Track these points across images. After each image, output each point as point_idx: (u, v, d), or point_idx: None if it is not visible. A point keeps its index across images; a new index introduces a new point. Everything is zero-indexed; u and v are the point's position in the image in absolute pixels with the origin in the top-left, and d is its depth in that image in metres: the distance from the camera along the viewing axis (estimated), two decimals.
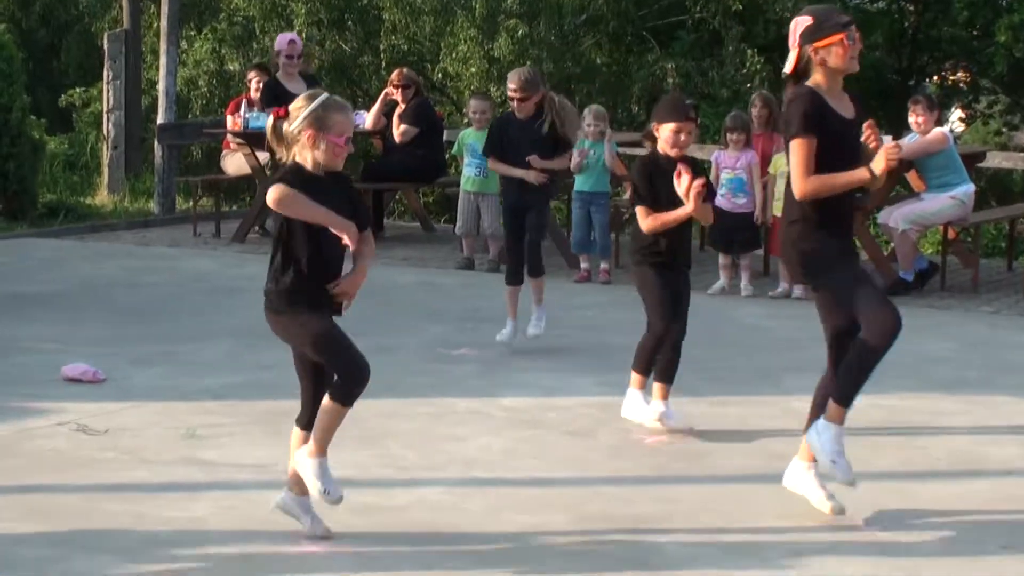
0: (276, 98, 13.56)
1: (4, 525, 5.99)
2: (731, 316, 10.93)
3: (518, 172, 9.61)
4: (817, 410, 6.21)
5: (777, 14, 20.56)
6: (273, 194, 5.57)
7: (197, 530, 6.00)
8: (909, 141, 11.91)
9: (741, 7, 20.85)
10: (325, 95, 5.74)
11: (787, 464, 7.09)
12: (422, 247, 14.62)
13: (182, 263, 13.47)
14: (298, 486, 5.86)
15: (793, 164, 6.01)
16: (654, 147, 7.64)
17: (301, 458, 5.79)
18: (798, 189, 6.00)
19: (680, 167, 7.40)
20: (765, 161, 12.36)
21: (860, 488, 6.34)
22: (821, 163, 5.97)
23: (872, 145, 6.04)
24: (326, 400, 5.73)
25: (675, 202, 7.49)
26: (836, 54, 6.02)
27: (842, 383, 6.08)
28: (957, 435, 7.71)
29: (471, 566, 5.65)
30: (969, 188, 12.13)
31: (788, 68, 6.12)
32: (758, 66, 20.84)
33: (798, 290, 11.90)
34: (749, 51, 20.97)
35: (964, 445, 7.56)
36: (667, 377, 7.68)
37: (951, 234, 12.67)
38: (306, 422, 5.88)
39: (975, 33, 21.30)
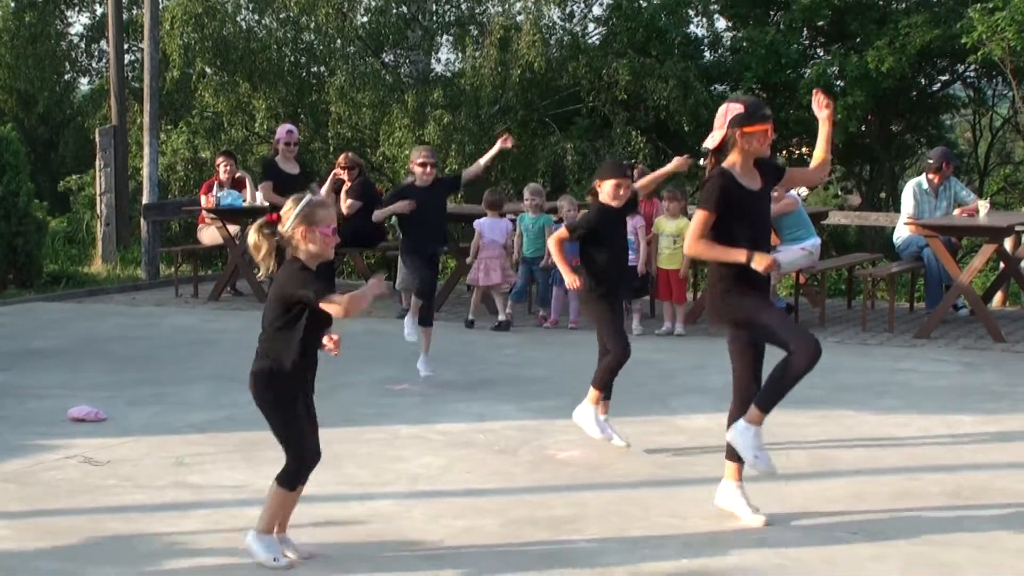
0: (276, 175, 13.57)
1: (24, 544, 5.91)
2: None
3: (393, 207, 9.80)
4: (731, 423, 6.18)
5: (655, 102, 20.75)
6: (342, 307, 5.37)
7: (188, 543, 5.95)
8: None
9: (626, 97, 21.02)
10: (309, 196, 5.64)
11: (674, 471, 7.17)
12: None
13: (167, 320, 13.35)
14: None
15: (691, 227, 5.99)
16: (596, 200, 7.67)
17: (249, 535, 5.62)
18: (687, 247, 6.05)
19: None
20: (648, 222, 12.48)
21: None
22: (728, 229, 5.95)
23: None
24: (273, 484, 5.59)
25: (616, 240, 7.63)
26: (759, 140, 6.00)
27: (767, 393, 6.02)
28: (813, 444, 7.78)
29: (418, 565, 5.65)
30: (816, 241, 12.26)
31: (712, 144, 6.05)
32: (641, 144, 21.03)
33: (679, 328, 12.01)
34: (634, 132, 21.17)
35: (819, 452, 7.63)
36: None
37: (802, 279, 12.83)
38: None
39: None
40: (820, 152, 6.41)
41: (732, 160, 6.02)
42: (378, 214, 10.16)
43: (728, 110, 6.04)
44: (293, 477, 5.60)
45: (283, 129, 14.36)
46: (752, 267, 5.92)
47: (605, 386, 7.62)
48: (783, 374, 5.99)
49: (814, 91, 6.41)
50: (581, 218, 7.74)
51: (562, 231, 7.74)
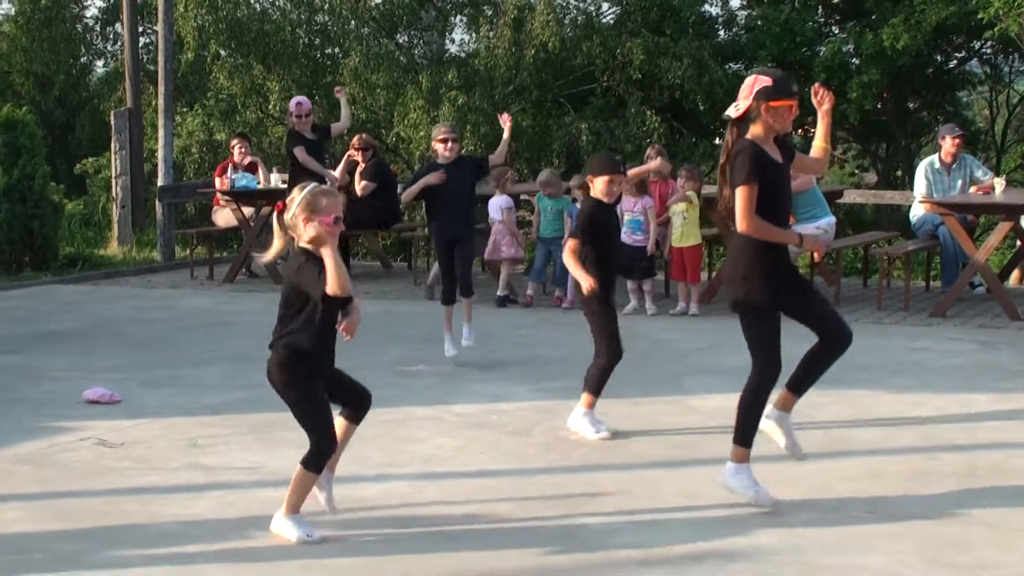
0: (302, 141, 13.48)
1: (38, 525, 5.93)
2: (640, 331, 10.93)
3: (421, 181, 9.60)
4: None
5: (669, 81, 20.68)
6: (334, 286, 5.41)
7: (200, 524, 5.96)
8: None
9: (640, 76, 20.94)
10: (313, 184, 5.65)
11: (687, 452, 7.16)
12: (383, 282, 14.58)
13: (182, 302, 13.37)
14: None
15: (739, 206, 5.87)
16: (587, 196, 7.59)
17: (276, 518, 5.71)
18: (742, 226, 5.89)
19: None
20: (662, 201, 12.46)
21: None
22: (761, 202, 5.88)
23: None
24: (299, 467, 5.65)
25: (612, 237, 7.56)
26: (783, 116, 5.94)
27: (800, 377, 6.23)
28: (827, 423, 7.75)
29: (432, 545, 5.64)
30: (831, 219, 12.22)
31: (736, 114, 5.97)
32: (656, 124, 20.95)
33: (694, 308, 11.98)
34: (648, 112, 21.07)
35: (833, 431, 7.60)
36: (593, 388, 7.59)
37: (817, 258, 12.78)
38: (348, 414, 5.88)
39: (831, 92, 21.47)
40: (820, 143, 6.34)
41: (755, 132, 5.96)
42: (407, 194, 9.84)
43: (756, 81, 5.98)
44: (318, 459, 5.65)
45: (292, 103, 14.30)
46: (804, 248, 6.05)
47: (599, 389, 7.51)
48: (815, 359, 6.11)
49: (814, 87, 6.29)
50: (580, 220, 7.57)
51: (573, 243, 7.42)
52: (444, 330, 9.69)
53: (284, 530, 5.68)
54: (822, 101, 6.23)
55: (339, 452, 5.88)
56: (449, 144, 9.65)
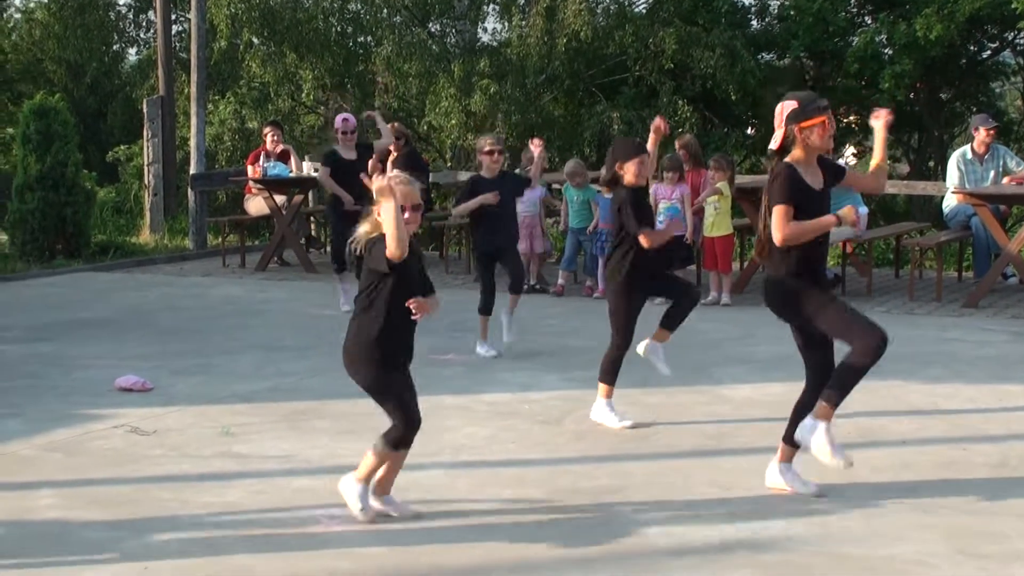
0: (334, 162, 13.28)
1: (72, 513, 5.96)
2: None
3: (477, 200, 9.55)
4: (795, 419, 6.14)
5: (702, 71, 20.62)
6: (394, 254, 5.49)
7: (232, 512, 5.98)
8: None
9: (672, 66, 20.89)
10: (395, 173, 5.74)
11: (718, 442, 7.15)
12: None
13: (214, 290, 13.42)
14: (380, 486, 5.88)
15: (774, 223, 5.90)
16: (621, 185, 7.54)
17: (346, 479, 5.80)
18: (778, 238, 5.90)
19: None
20: (694, 191, 12.43)
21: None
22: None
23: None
24: (380, 440, 5.74)
25: (649, 223, 7.55)
26: (817, 134, 5.95)
27: (832, 388, 5.99)
28: (859, 414, 7.72)
29: (463, 534, 5.65)
30: (863, 210, 12.18)
31: (775, 145, 6.02)
32: (688, 113, 20.88)
33: (726, 298, 11.97)
34: (680, 102, 21.00)
35: (865, 422, 7.57)
36: (669, 325, 7.71)
37: (849, 249, 12.73)
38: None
39: (863, 82, 21.36)
40: (876, 158, 6.36)
41: (795, 156, 6.00)
42: (459, 210, 9.78)
43: (783, 108, 6.03)
44: (398, 438, 5.74)
45: (339, 118, 14.26)
46: (842, 220, 6.00)
47: (614, 378, 7.52)
48: (846, 369, 6.00)
49: (876, 111, 6.30)
50: (630, 210, 7.51)
51: (644, 238, 7.39)
52: (479, 336, 9.66)
53: (347, 493, 5.78)
54: (878, 116, 6.23)
55: (391, 475, 5.88)
56: (495, 156, 9.62)
